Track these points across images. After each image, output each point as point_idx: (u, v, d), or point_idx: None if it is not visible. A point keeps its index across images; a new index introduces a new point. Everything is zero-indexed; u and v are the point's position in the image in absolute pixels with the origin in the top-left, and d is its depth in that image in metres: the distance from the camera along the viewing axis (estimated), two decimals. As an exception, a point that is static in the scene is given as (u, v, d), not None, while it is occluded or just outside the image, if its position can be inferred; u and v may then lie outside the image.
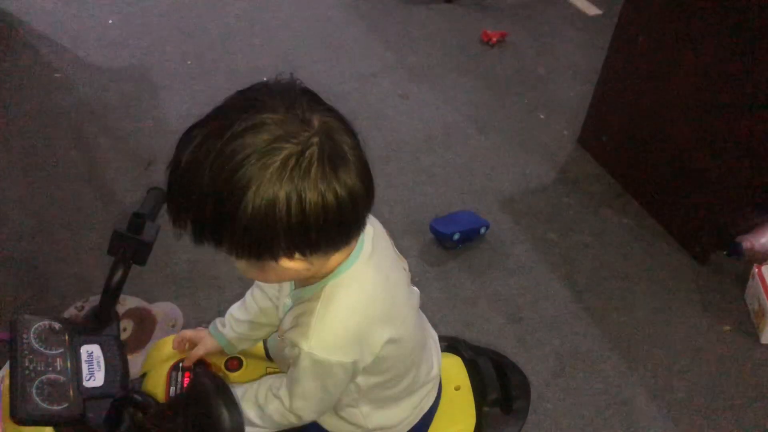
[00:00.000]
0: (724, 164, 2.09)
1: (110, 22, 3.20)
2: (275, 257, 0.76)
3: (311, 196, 0.72)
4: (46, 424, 0.96)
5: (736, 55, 1.96)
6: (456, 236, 2.20)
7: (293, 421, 0.95)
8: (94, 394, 1.00)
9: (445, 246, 2.24)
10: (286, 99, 0.74)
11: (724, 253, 2.29)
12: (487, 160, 2.64)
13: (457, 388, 1.23)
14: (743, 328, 2.09)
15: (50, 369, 0.99)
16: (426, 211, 2.35)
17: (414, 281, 2.05)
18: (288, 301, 0.95)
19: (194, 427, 0.83)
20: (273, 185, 0.70)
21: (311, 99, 0.77)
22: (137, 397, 0.98)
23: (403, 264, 1.03)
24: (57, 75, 2.87)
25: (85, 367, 1.03)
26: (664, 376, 1.95)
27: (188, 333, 1.19)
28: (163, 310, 1.91)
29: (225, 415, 0.78)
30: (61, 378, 0.99)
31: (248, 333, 1.13)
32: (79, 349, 1.04)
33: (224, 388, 0.81)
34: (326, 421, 1.05)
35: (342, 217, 0.76)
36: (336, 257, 0.84)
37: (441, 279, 2.17)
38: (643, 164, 2.44)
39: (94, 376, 1.03)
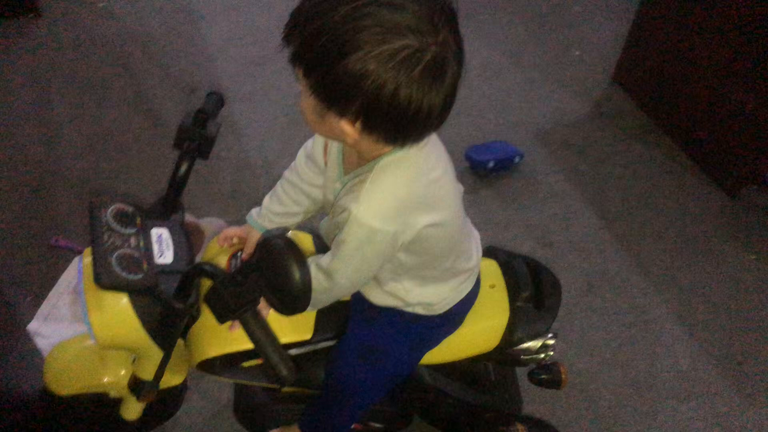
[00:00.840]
0: (758, 97, 2.11)
1: (152, -47, 3.24)
2: (342, 114, 0.84)
3: (402, 92, 0.79)
4: (123, 290, 1.06)
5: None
6: (490, 164, 2.26)
7: (323, 282, 1.02)
8: (165, 269, 1.10)
9: (479, 173, 2.31)
10: (432, 3, 0.80)
11: (754, 187, 2.32)
12: (523, 93, 2.67)
13: (492, 286, 1.32)
14: (770, 257, 2.14)
15: (126, 245, 1.09)
16: (461, 141, 2.40)
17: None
18: (338, 185, 1.03)
19: (265, 285, 0.91)
20: (379, 63, 0.77)
21: (450, 14, 0.82)
22: (207, 267, 1.07)
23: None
24: (101, 5, 2.94)
25: (155, 246, 1.13)
26: (689, 299, 2.02)
27: (231, 230, 1.28)
28: (211, 223, 2.01)
29: (295, 270, 0.85)
30: (136, 253, 1.09)
31: (284, 221, 1.23)
32: (150, 231, 1.14)
33: (294, 246, 0.88)
34: (372, 294, 1.14)
35: (411, 123, 0.84)
36: (383, 148, 0.91)
37: (474, 205, 2.24)
38: (676, 100, 2.45)
39: (164, 254, 1.14)
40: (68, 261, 1.93)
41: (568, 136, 2.50)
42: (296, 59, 0.83)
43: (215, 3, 2.96)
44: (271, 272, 0.88)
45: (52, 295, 1.88)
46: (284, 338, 1.19)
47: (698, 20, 2.26)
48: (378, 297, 1.14)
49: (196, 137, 1.18)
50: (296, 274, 0.85)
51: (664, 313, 1.98)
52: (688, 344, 1.92)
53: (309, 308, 1.04)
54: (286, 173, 1.21)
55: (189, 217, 2.10)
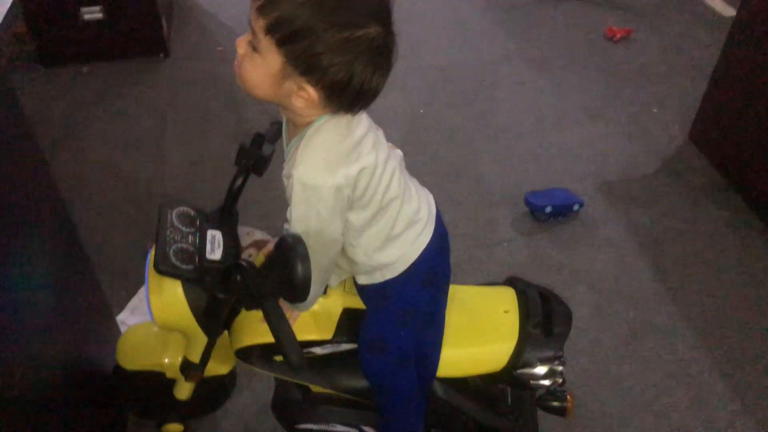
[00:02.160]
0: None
1: (267, 6, 3.64)
2: (310, 81, 0.99)
3: (372, 73, 0.99)
4: (177, 277, 1.27)
5: None
6: (548, 209, 2.36)
7: None
8: (213, 264, 1.31)
9: (537, 218, 2.40)
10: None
11: (826, 252, 2.25)
12: (594, 146, 2.75)
13: (506, 311, 1.42)
14: (832, 325, 2.07)
15: (184, 241, 1.31)
16: (524, 186, 2.51)
17: (502, 246, 2.27)
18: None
19: (276, 278, 1.09)
20: (358, 45, 0.95)
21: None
22: (242, 263, 1.27)
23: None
24: (220, 48, 3.35)
25: (208, 245, 1.35)
26: (736, 358, 1.99)
27: (271, 244, 1.47)
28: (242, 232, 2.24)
29: (298, 264, 1.02)
30: (191, 248, 1.31)
31: None
32: (206, 232, 1.36)
33: (300, 243, 1.05)
34: (342, 265, 1.26)
35: (364, 98, 1.02)
36: (320, 113, 1.06)
37: (529, 247, 2.33)
38: (751, 159, 2.44)
39: (215, 252, 1.35)
40: (159, 264, 2.22)
41: (633, 189, 2.55)
42: (271, 30, 0.95)
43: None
44: (281, 266, 1.06)
45: (141, 291, 2.17)
46: (307, 335, 1.36)
47: (772, 82, 2.27)
48: (346, 267, 1.26)
49: (253, 156, 1.41)
50: (298, 267, 1.02)
51: (707, 368, 1.97)
52: (728, 401, 1.89)
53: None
54: None
55: (263, 235, 2.34)
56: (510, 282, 1.52)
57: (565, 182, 2.56)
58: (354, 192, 1.10)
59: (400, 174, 1.20)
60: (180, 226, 1.35)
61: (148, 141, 2.80)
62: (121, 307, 2.10)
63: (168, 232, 1.32)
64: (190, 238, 1.34)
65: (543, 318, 1.41)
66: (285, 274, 1.05)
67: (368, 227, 1.18)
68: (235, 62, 1.06)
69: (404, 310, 1.28)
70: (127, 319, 2.09)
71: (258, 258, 1.58)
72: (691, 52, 3.26)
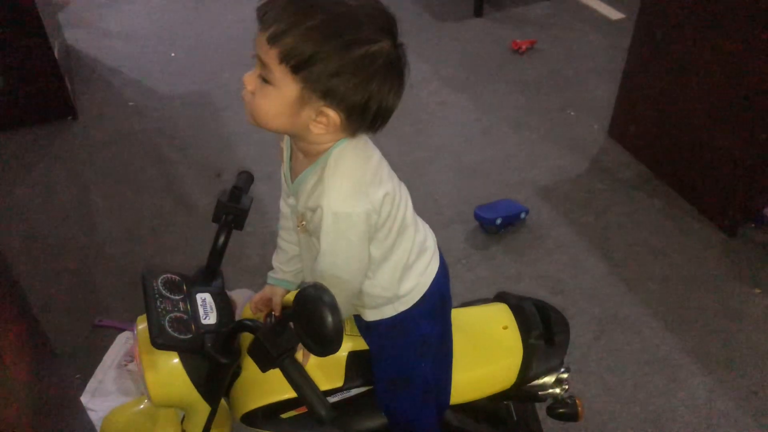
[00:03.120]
0: (744, 141, 2.26)
1: (172, 55, 3.54)
2: (327, 99, 0.96)
3: (389, 92, 0.98)
4: (176, 349, 1.20)
5: (747, 41, 2.14)
6: (498, 221, 2.41)
7: (327, 280, 1.08)
8: (210, 329, 1.24)
9: (488, 231, 2.45)
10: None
11: (752, 224, 2.44)
12: (523, 155, 2.85)
13: (505, 328, 1.44)
14: (774, 290, 2.24)
15: (176, 309, 1.24)
16: (470, 202, 2.56)
17: (461, 264, 2.29)
18: (291, 200, 1.16)
19: (303, 332, 1.04)
20: (372, 63, 0.95)
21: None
22: (248, 322, 1.21)
23: None
24: (131, 104, 3.21)
25: (201, 309, 1.28)
26: (698, 335, 2.11)
27: (256, 296, 1.40)
28: (241, 294, 2.15)
29: (327, 314, 0.98)
30: (185, 316, 1.24)
31: (295, 266, 1.34)
32: (195, 296, 1.29)
33: (326, 293, 1.01)
34: (360, 299, 1.23)
35: (383, 118, 1.02)
36: (336, 139, 1.04)
37: (486, 260, 2.37)
38: (669, 149, 2.61)
39: (209, 316, 1.28)
40: (112, 339, 2.08)
41: (570, 191, 2.66)
42: (286, 59, 0.93)
43: (234, 96, 3.21)
44: (307, 319, 1.02)
45: (98, 371, 2.02)
46: (319, 387, 1.31)
47: (680, 75, 2.45)
48: (365, 301, 1.23)
49: (232, 211, 1.35)
50: (329, 318, 0.98)
51: (676, 350, 2.07)
52: (702, 378, 2.00)
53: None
54: (280, 223, 1.33)
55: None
56: (501, 297, 1.54)
57: (506, 193, 2.64)
58: (378, 219, 1.08)
59: (411, 208, 1.20)
60: (168, 295, 1.27)
61: (72, 209, 2.63)
62: (80, 392, 1.94)
63: (158, 303, 1.24)
64: (181, 305, 1.26)
65: (543, 329, 1.43)
66: (313, 328, 1.01)
67: (387, 258, 1.16)
68: (245, 99, 1.02)
69: (422, 341, 1.27)
70: (89, 403, 1.93)
71: (244, 313, 1.51)
72: (591, 55, 3.47)
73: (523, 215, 2.48)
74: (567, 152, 2.86)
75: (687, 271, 2.32)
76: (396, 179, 1.15)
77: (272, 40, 0.93)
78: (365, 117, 1.00)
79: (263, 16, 0.95)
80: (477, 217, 2.46)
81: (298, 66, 0.94)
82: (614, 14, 3.79)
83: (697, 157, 2.48)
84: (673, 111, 2.54)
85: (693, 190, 2.56)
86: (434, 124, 3.03)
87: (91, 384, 1.99)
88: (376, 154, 1.10)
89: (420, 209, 1.19)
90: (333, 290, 1.00)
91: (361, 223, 1.04)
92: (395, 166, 1.17)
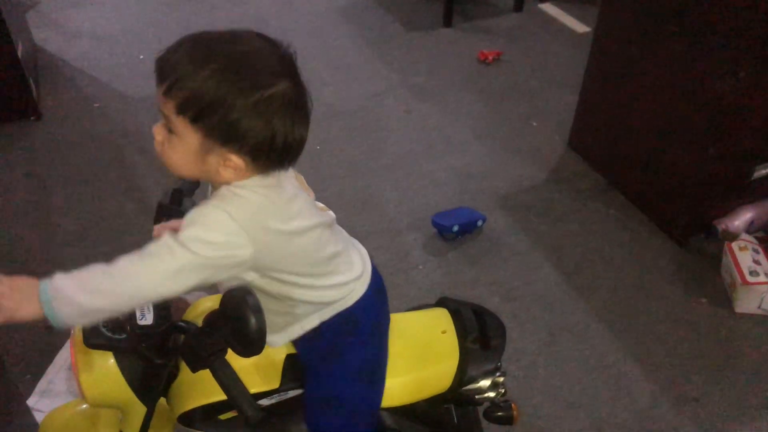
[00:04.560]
0: (694, 154, 2.32)
1: (141, 57, 3.54)
2: (234, 150, 0.98)
3: (293, 129, 0.99)
4: (109, 349, 1.21)
5: (692, 58, 2.20)
6: (455, 228, 2.45)
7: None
8: (146, 330, 1.25)
9: (445, 238, 2.49)
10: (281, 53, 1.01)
11: (702, 236, 2.49)
12: (484, 164, 2.89)
13: (443, 332, 1.46)
14: (719, 300, 2.29)
15: (112, 310, 1.24)
16: (428, 209, 2.59)
17: (417, 269, 2.32)
18: None
19: (228, 333, 1.06)
20: (268, 106, 0.96)
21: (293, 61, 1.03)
22: (181, 323, 1.22)
23: (319, 204, 1.26)
24: (96, 105, 3.21)
25: (137, 310, 1.29)
26: (645, 342, 2.16)
27: (204, 298, 1.43)
28: (192, 294, 2.17)
29: (250, 316, 1.00)
30: (120, 317, 1.25)
31: None
32: (133, 297, 1.30)
33: (250, 295, 1.03)
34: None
35: (293, 154, 1.03)
36: (250, 176, 1.03)
37: (443, 267, 2.40)
38: (625, 160, 2.67)
39: (145, 317, 1.29)
40: (64, 340, 2.07)
41: (527, 200, 2.70)
42: (182, 110, 0.95)
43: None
44: (231, 320, 1.04)
45: (50, 371, 2.02)
46: (255, 388, 1.33)
47: (634, 89, 2.51)
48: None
49: (173, 214, 1.36)
50: (252, 320, 1.00)
51: (622, 357, 2.11)
52: (647, 385, 2.04)
53: None
54: None
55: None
56: (442, 303, 1.56)
57: (465, 201, 2.67)
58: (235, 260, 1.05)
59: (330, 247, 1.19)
60: (105, 296, 1.28)
61: (30, 210, 2.62)
62: (30, 393, 1.94)
63: (93, 305, 1.25)
64: (117, 306, 1.27)
65: (479, 333, 1.46)
66: (236, 329, 1.03)
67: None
68: (156, 149, 1.04)
69: (360, 366, 1.29)
70: (37, 404, 1.93)
71: (186, 316, 1.52)
72: (556, 66, 3.52)
73: (480, 223, 2.52)
74: (527, 162, 2.90)
75: (638, 280, 2.37)
76: (316, 218, 1.14)
77: (168, 93, 0.95)
78: (272, 155, 1.01)
79: (160, 69, 0.97)
80: (434, 224, 2.49)
81: (195, 117, 0.96)
82: (581, 27, 3.86)
83: (651, 169, 2.54)
84: (628, 123, 2.60)
85: (647, 201, 2.61)
86: (398, 132, 3.06)
87: (41, 384, 1.99)
88: (276, 198, 1.06)
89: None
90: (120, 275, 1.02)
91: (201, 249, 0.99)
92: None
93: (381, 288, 1.33)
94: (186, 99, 0.94)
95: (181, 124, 0.97)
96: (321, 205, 1.29)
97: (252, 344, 1.01)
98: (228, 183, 1.04)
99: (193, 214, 1.02)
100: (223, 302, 1.06)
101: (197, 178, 1.08)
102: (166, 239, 1.00)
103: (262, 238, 1.03)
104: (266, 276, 1.11)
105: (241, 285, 1.06)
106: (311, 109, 1.04)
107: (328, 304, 1.22)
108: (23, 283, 1.04)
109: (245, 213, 1.01)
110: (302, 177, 1.26)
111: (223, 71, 0.94)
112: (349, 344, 1.27)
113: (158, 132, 1.02)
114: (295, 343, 1.32)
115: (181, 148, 1.00)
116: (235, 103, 0.94)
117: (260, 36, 1.01)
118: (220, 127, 0.96)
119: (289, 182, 1.11)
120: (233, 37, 0.99)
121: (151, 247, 1.01)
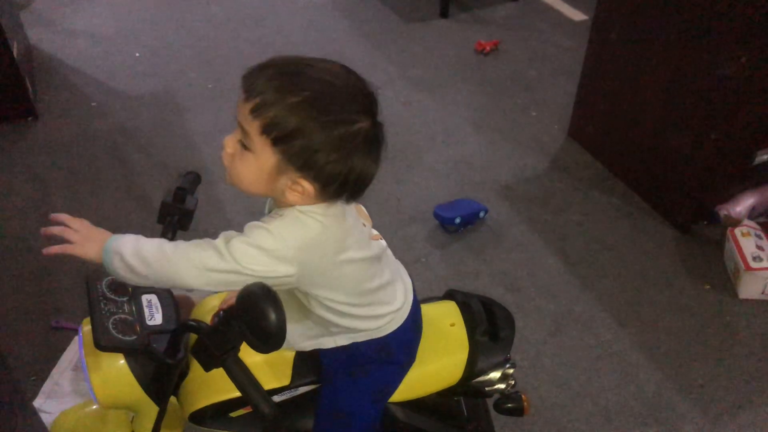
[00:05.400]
0: (695, 140, 2.32)
1: (137, 55, 3.52)
2: (304, 172, 1.00)
3: (365, 164, 1.01)
4: (120, 351, 1.21)
5: (693, 43, 2.20)
6: (457, 220, 2.44)
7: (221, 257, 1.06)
8: (155, 330, 1.25)
9: (448, 230, 2.48)
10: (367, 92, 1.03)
11: (704, 222, 2.50)
12: (485, 155, 2.89)
13: (452, 325, 1.46)
14: (722, 286, 2.30)
15: (120, 311, 1.25)
16: (430, 202, 2.59)
17: (420, 262, 2.32)
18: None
19: (246, 329, 1.05)
20: (346, 140, 0.98)
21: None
22: (192, 323, 1.22)
23: (373, 232, 1.27)
24: (93, 104, 3.19)
25: (146, 310, 1.29)
26: (650, 330, 2.16)
27: (228, 296, 1.41)
28: (198, 295, 2.16)
29: (271, 312, 0.99)
30: (129, 318, 1.25)
31: None
32: (140, 298, 1.30)
33: (270, 291, 1.02)
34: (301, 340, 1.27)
35: (361, 188, 1.05)
36: (315, 203, 1.06)
37: (446, 259, 2.40)
38: (625, 148, 2.67)
39: (154, 317, 1.29)
40: (69, 340, 2.07)
41: (529, 190, 2.70)
42: (267, 131, 0.98)
43: (199, 96, 3.21)
44: (249, 316, 1.03)
45: (55, 372, 2.01)
46: (266, 385, 1.32)
47: (634, 76, 2.50)
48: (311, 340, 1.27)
49: (177, 212, 1.36)
50: (271, 315, 0.99)
51: (628, 345, 2.12)
52: (653, 372, 2.04)
53: None
54: None
55: (180, 291, 2.26)
56: (450, 295, 1.57)
57: (467, 192, 2.67)
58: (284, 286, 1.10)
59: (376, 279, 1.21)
60: (113, 296, 1.28)
61: (32, 210, 2.61)
62: (35, 394, 1.93)
63: (102, 305, 1.25)
64: (126, 306, 1.27)
65: (488, 325, 1.46)
66: (255, 325, 1.02)
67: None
68: (224, 161, 1.06)
69: (380, 389, 1.31)
70: (43, 405, 1.93)
71: (193, 315, 1.52)
72: (554, 56, 3.52)
73: (482, 214, 2.52)
74: (528, 152, 2.90)
75: (641, 268, 2.37)
76: (367, 252, 1.15)
77: (255, 112, 0.97)
78: (343, 188, 1.03)
79: (249, 86, 0.98)
80: (436, 216, 2.49)
81: (278, 139, 0.98)
82: (578, 16, 3.85)
83: (652, 156, 2.54)
84: (628, 111, 2.59)
85: (648, 189, 2.61)
86: (398, 124, 3.05)
87: (47, 386, 1.98)
88: (336, 229, 1.09)
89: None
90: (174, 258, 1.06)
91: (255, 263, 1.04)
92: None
93: (417, 318, 1.36)
94: (271, 121, 0.97)
95: (261, 144, 0.99)
96: (375, 232, 1.31)
97: (271, 338, 1.00)
98: (292, 205, 1.06)
99: (255, 230, 1.05)
100: (240, 298, 1.05)
101: (261, 194, 1.09)
102: (220, 242, 1.05)
103: (311, 263, 1.07)
104: (308, 294, 1.14)
105: (257, 282, 1.05)
106: (385, 148, 1.05)
107: (362, 331, 1.24)
108: (97, 231, 1.17)
109: (302, 240, 1.04)
110: (362, 207, 1.30)
111: (312, 101, 0.97)
112: (378, 367, 1.29)
113: (230, 144, 1.04)
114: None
115: (255, 166, 1.02)
116: (317, 135, 0.97)
117: (347, 69, 1.04)
118: (299, 155, 0.98)
119: (350, 213, 1.14)
120: (323, 67, 1.01)
121: (205, 243, 1.07)
